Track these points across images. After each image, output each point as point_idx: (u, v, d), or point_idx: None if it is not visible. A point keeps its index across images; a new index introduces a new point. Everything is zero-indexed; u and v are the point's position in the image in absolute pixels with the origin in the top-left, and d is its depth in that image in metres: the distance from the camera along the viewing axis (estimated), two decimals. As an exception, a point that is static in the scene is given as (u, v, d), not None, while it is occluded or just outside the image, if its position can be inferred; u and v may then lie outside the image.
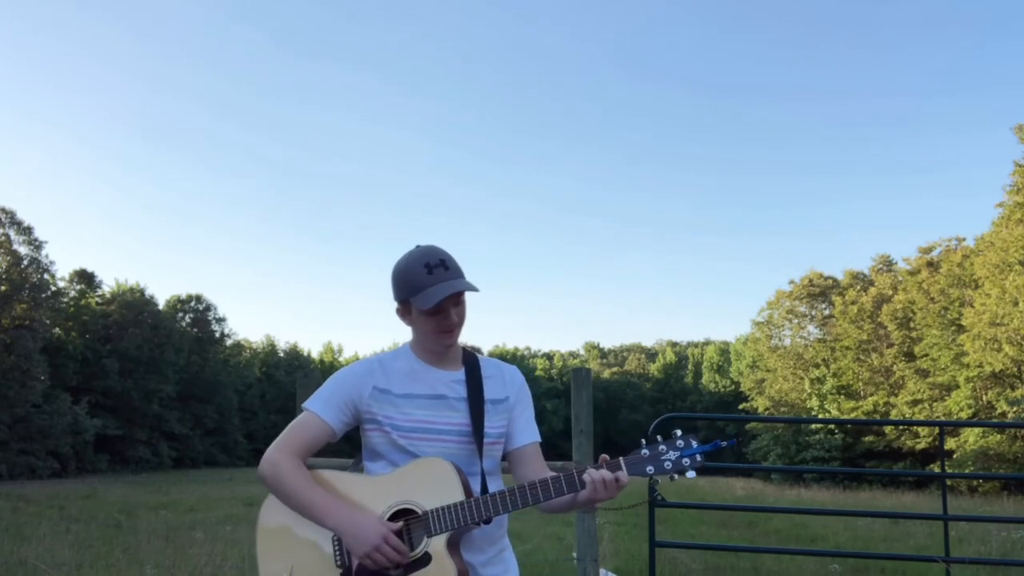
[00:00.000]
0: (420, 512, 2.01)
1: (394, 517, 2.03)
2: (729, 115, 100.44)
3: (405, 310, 2.15)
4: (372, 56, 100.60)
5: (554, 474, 2.02)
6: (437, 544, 1.98)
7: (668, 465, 1.98)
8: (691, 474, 1.99)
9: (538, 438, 2.27)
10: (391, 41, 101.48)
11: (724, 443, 2.01)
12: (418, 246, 2.15)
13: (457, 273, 2.09)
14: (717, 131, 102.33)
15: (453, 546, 2.01)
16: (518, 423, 2.23)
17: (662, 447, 1.99)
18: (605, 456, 2.02)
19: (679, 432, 2.02)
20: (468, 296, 2.15)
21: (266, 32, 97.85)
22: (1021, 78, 77.46)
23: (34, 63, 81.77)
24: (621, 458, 2.01)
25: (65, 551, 9.60)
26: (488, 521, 2.04)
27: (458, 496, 1.99)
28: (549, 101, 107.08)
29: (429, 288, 2.04)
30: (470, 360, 2.21)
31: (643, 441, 2.04)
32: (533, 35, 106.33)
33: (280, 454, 2.08)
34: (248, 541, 10.51)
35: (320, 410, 2.12)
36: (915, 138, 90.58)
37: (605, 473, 1.97)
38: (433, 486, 2.02)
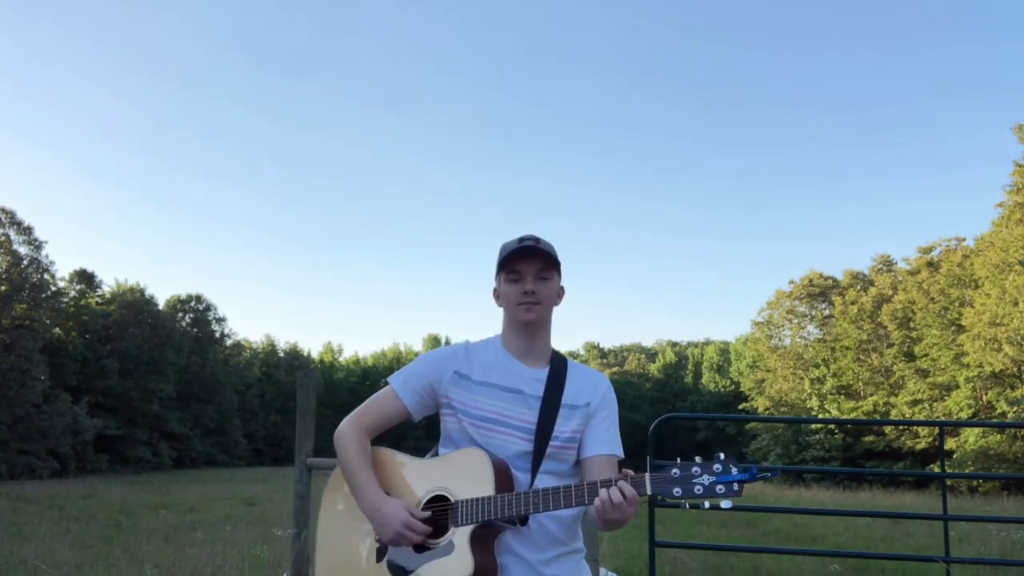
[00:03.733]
0: (452, 501, 2.04)
1: (431, 502, 2.08)
2: (729, 117, 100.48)
3: (497, 290, 2.21)
4: (371, 65, 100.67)
5: (579, 483, 1.96)
6: (461, 535, 2.00)
7: (699, 490, 1.81)
8: (726, 504, 1.80)
9: (616, 452, 2.16)
10: (389, 51, 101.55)
11: (768, 474, 1.81)
12: None
13: (546, 248, 2.14)
14: (717, 133, 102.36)
15: (480, 540, 2.00)
16: (594, 432, 2.15)
17: (696, 468, 1.84)
18: (628, 471, 1.92)
19: (722, 455, 1.84)
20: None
21: (266, 40, 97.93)
22: (1021, 78, 77.45)
23: (35, 66, 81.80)
24: (646, 474, 1.88)
25: (65, 551, 9.60)
26: (523, 521, 2.02)
27: (488, 490, 2.00)
28: (549, 104, 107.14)
29: (510, 251, 2.13)
30: (557, 361, 2.20)
31: (678, 459, 1.89)
32: (531, 39, 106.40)
33: (350, 427, 2.18)
34: (247, 541, 10.53)
35: (400, 389, 2.19)
36: (915, 138, 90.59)
37: (614, 492, 1.85)
38: (468, 477, 2.04)
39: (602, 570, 4.65)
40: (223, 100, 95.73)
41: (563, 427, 2.11)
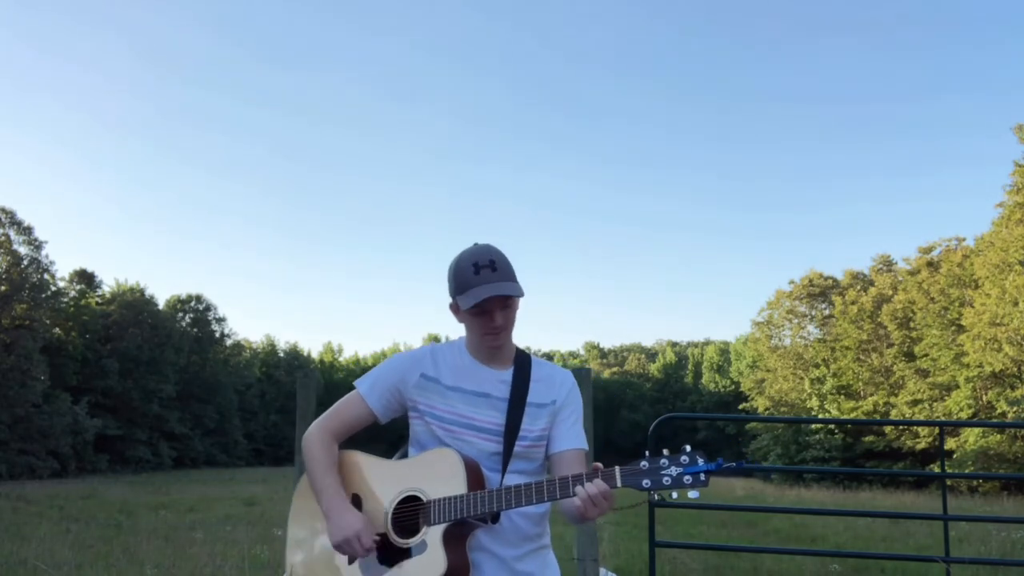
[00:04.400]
0: (425, 500, 2.05)
1: (403, 503, 2.09)
2: (729, 116, 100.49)
3: (455, 307, 2.17)
4: (369, 64, 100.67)
5: (550, 478, 2.00)
6: (434, 534, 2.01)
7: (667, 481, 1.88)
8: (693, 494, 1.87)
9: (582, 446, 2.20)
10: (386, 49, 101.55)
11: (734, 464, 1.89)
12: (475, 244, 2.14)
13: (505, 275, 2.07)
14: (718, 132, 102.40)
15: (452, 538, 2.02)
16: (560, 428, 2.19)
17: (663, 461, 1.90)
18: (598, 464, 1.95)
19: (688, 447, 1.91)
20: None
21: (266, 39, 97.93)
22: (1021, 78, 77.48)
23: (34, 65, 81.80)
24: (616, 468, 1.94)
25: (65, 551, 9.60)
26: (495, 519, 2.05)
27: (460, 489, 2.01)
28: (548, 102, 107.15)
29: (472, 288, 2.05)
30: (521, 361, 2.21)
31: (646, 452, 1.96)
32: (530, 37, 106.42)
33: (317, 431, 2.19)
34: (247, 541, 10.53)
35: (366, 393, 2.19)
36: (915, 138, 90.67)
37: (590, 487, 1.90)
38: (440, 477, 2.05)
39: (602, 570, 4.65)
40: (224, 94, 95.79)
41: (531, 426, 2.14)
